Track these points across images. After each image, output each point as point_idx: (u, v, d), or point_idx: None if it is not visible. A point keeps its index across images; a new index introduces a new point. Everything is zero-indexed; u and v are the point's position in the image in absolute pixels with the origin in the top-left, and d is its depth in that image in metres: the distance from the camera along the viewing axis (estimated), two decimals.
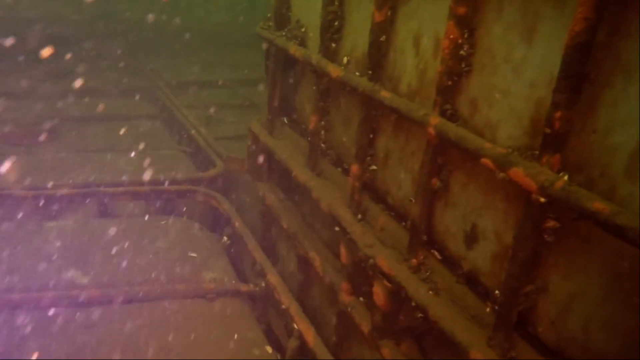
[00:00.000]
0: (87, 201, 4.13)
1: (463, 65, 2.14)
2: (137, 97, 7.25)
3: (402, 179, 2.63)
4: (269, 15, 3.91)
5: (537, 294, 1.92)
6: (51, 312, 3.11)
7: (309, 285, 3.71)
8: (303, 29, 3.53)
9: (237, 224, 3.94)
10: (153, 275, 3.37)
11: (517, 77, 1.93)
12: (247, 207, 5.00)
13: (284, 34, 3.66)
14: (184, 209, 4.48)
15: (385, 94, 2.50)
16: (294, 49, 3.39)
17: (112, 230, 3.83)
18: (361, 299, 2.99)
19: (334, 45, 3.11)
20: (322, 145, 3.36)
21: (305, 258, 3.53)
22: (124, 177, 4.46)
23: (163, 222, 4.00)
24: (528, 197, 1.80)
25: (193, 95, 7.44)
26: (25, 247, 3.65)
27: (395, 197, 2.71)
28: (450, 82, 2.17)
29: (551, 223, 1.82)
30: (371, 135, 2.81)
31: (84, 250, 3.60)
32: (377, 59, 2.64)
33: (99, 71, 8.12)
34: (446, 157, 2.29)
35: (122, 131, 5.89)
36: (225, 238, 4.04)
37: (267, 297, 3.58)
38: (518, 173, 1.80)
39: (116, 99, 7.13)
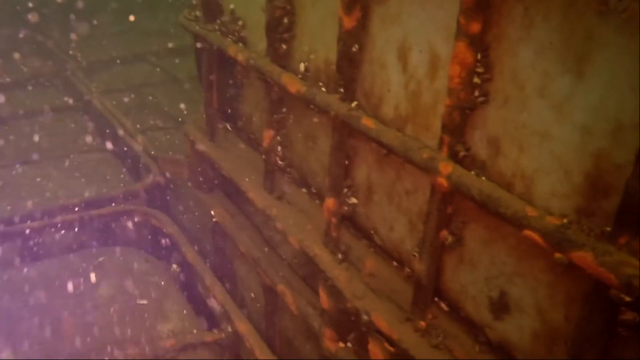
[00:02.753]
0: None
1: (477, 94, 1.64)
2: (48, 85, 6.40)
3: (393, 219, 2.15)
4: (194, 1, 3.26)
5: None
6: None
7: (277, 314, 3.23)
8: (240, 22, 2.93)
9: (186, 252, 3.38)
10: (94, 342, 2.80)
11: (561, 118, 1.45)
12: (193, 213, 4.43)
13: (216, 27, 3.04)
14: (123, 228, 3.87)
15: (368, 123, 1.98)
16: (233, 50, 2.79)
17: (36, 279, 3.21)
18: (349, 344, 2.54)
19: (284, 46, 2.54)
20: (280, 162, 2.82)
21: (272, 288, 3.04)
22: (41, 205, 3.79)
23: (100, 259, 3.40)
24: (599, 287, 1.35)
25: (118, 75, 6.63)
26: None
27: (386, 238, 2.23)
28: (461, 118, 1.67)
29: (630, 315, 1.38)
30: (346, 162, 2.30)
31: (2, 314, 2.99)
32: (349, 73, 2.10)
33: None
34: (459, 206, 1.82)
35: (34, 135, 5.13)
36: (174, 266, 3.49)
37: (236, 345, 3.08)
38: (586, 259, 1.34)
39: (21, 91, 6.26)
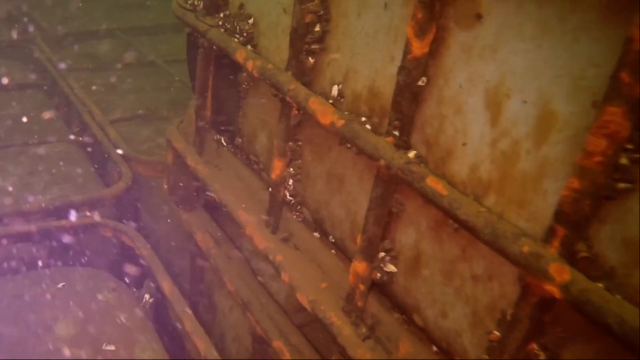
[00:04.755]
0: None
1: (618, 179, 1.16)
2: (8, 57, 5.73)
3: (448, 304, 1.67)
4: None
5: None
6: None
7: None
8: (251, 21, 2.39)
9: (162, 282, 2.85)
10: None
11: None
12: (167, 227, 3.89)
13: (219, 22, 2.50)
14: (86, 245, 3.32)
15: (436, 186, 1.48)
16: (242, 55, 2.26)
17: None
18: None
19: (311, 60, 2.02)
20: (290, 198, 2.31)
21: (264, 339, 2.55)
22: None
23: (59, 285, 2.84)
24: None
25: (94, 49, 5.98)
26: None
27: (433, 323, 1.75)
28: (591, 207, 1.19)
29: None
30: (387, 219, 1.80)
31: None
32: (409, 112, 1.60)
33: None
34: (561, 317, 1.34)
35: None
36: (147, 297, 2.95)
37: None
38: None
39: None
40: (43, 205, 3.24)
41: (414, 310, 1.81)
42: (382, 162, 1.63)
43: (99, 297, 2.81)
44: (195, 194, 3.07)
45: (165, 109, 4.86)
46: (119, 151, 3.88)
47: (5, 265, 3.15)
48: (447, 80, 1.53)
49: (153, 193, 3.92)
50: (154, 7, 7.60)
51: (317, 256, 2.22)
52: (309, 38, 1.99)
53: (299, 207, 2.30)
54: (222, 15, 2.53)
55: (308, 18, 1.95)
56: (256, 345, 2.68)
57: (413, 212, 1.73)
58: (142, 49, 6.07)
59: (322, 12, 1.94)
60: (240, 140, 2.65)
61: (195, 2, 2.68)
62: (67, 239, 3.18)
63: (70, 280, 2.90)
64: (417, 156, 1.60)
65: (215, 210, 3.20)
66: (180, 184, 3.04)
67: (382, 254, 1.84)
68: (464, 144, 1.50)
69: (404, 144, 1.63)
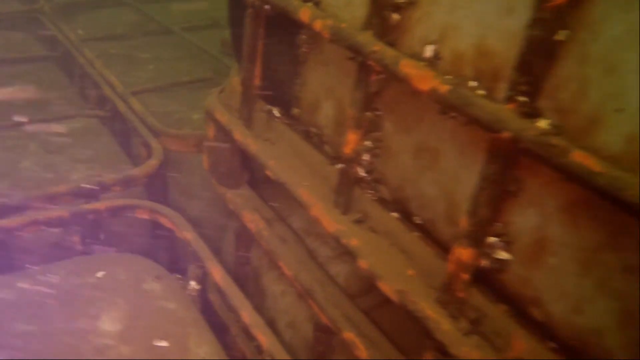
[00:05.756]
0: None
1: None
2: (13, 28, 5.41)
3: (584, 299, 1.42)
4: None
5: None
6: None
7: (331, 356, 2.53)
8: None
9: (212, 269, 2.62)
10: None
11: None
12: (199, 199, 3.65)
13: None
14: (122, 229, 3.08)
15: (587, 162, 1.22)
16: (307, 14, 1.98)
17: (4, 304, 2.41)
18: None
19: (395, 17, 1.75)
20: (364, 174, 2.06)
21: (329, 329, 2.33)
22: (15, 195, 2.93)
23: (99, 275, 2.61)
24: None
25: (106, 18, 5.67)
26: None
27: (562, 318, 1.51)
28: None
29: None
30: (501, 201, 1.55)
31: None
32: (540, 74, 1.34)
33: None
34: None
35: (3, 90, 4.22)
36: (193, 284, 2.72)
37: None
38: None
39: None
40: (72, 187, 2.99)
41: (533, 303, 1.57)
42: (505, 134, 1.38)
43: (144, 286, 2.58)
44: (239, 171, 2.82)
45: (188, 78, 4.57)
46: (147, 124, 3.61)
47: (36, 253, 2.92)
48: (595, 34, 1.26)
49: (184, 169, 3.67)
50: None
51: (399, 240, 1.98)
52: None
53: (374, 184, 2.05)
54: None
55: None
56: (319, 335, 2.46)
57: (536, 191, 1.48)
58: (155, 17, 5.75)
59: None
60: (297, 110, 2.39)
61: None
62: (100, 222, 2.94)
63: (110, 268, 2.67)
64: (552, 126, 1.33)
65: (257, 186, 2.97)
66: (225, 160, 2.78)
67: (492, 239, 1.60)
68: (619, 110, 1.24)
69: (532, 112, 1.37)
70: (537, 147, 1.31)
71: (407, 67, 1.61)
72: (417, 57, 1.69)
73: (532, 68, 1.34)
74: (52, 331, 2.33)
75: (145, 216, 2.94)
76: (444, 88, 1.51)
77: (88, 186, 3.02)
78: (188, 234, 2.77)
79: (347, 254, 2.02)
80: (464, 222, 1.59)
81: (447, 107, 1.53)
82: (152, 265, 2.76)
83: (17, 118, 3.88)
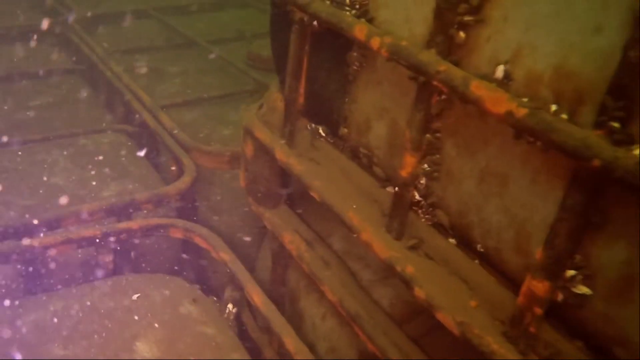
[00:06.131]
0: None
1: None
2: (36, 42, 5.36)
3: None
4: None
5: None
6: None
7: None
8: None
9: (252, 292, 2.53)
10: None
11: None
12: (231, 217, 3.56)
13: None
14: (155, 249, 3.00)
15: None
16: (363, 31, 1.89)
17: (35, 325, 2.32)
18: None
19: (462, 35, 1.66)
20: (419, 198, 1.96)
21: (376, 356, 2.23)
22: (46, 212, 2.86)
23: (134, 297, 2.52)
24: None
25: (131, 31, 5.63)
26: None
27: None
28: None
29: None
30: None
31: None
32: (637, 95, 1.24)
33: None
34: None
35: (29, 105, 4.16)
36: (230, 307, 2.63)
37: None
38: None
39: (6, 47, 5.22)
40: (104, 205, 2.91)
41: (617, 342, 1.47)
42: (595, 162, 1.28)
43: (181, 309, 2.49)
44: (279, 190, 2.74)
45: (216, 93, 4.51)
46: (177, 139, 3.54)
47: (67, 272, 2.84)
48: None
49: (215, 187, 3.59)
50: None
51: (458, 268, 1.88)
52: (462, 7, 1.63)
53: (431, 209, 1.95)
54: None
55: None
56: None
57: (624, 223, 1.38)
58: (180, 29, 5.69)
59: None
60: (345, 130, 2.30)
61: None
62: (133, 241, 2.86)
63: (145, 291, 2.59)
64: None
65: (292, 204, 2.88)
66: (262, 180, 2.70)
67: (571, 272, 1.50)
68: None
69: (626, 139, 1.27)
70: (633, 177, 1.21)
71: (479, 89, 1.52)
72: (485, 77, 1.60)
73: (628, 92, 1.24)
74: (87, 355, 2.25)
75: (179, 235, 2.86)
76: (521, 112, 1.42)
77: (120, 204, 2.94)
78: (225, 255, 2.68)
79: (402, 282, 1.92)
80: (539, 254, 1.49)
81: (525, 131, 1.43)
82: (187, 287, 2.68)
83: (46, 132, 3.82)
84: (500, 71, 1.57)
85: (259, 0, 6.52)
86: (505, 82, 1.57)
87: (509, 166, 1.64)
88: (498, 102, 1.47)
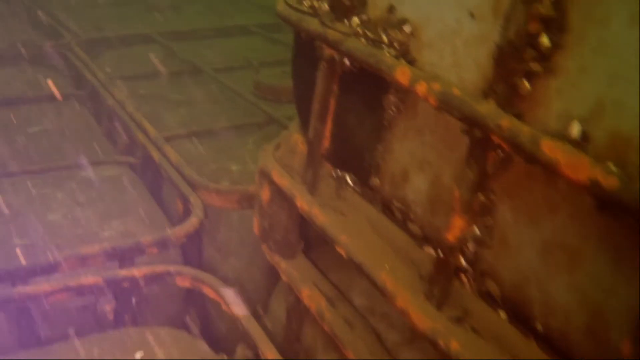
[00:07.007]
0: None
1: None
2: (36, 65, 5.16)
3: None
4: None
5: None
6: None
7: None
8: (407, 28, 1.82)
9: (266, 351, 2.29)
10: None
11: None
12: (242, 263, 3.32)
13: (358, 28, 1.92)
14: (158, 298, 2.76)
15: None
16: (407, 75, 1.68)
17: None
18: None
19: (527, 86, 1.45)
20: (465, 264, 1.74)
21: None
22: (41, 258, 2.61)
23: (138, 356, 2.28)
24: None
25: (134, 56, 5.44)
26: None
27: None
28: None
29: None
30: None
31: None
32: None
33: None
34: None
35: (25, 134, 3.94)
36: None
37: None
38: None
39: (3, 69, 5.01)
40: (106, 248, 2.68)
41: None
42: None
43: None
44: (297, 239, 2.51)
45: (224, 124, 4.29)
46: (184, 176, 3.32)
47: (63, 322, 2.59)
48: None
49: (223, 227, 3.36)
50: (188, 9, 7.09)
51: (511, 346, 1.65)
52: (528, 54, 1.42)
53: (479, 277, 1.72)
54: (357, 18, 1.96)
55: (533, 27, 1.38)
56: None
57: None
58: (184, 56, 5.50)
59: (554, 14, 1.37)
60: (377, 180, 2.08)
61: (315, 4, 2.11)
62: (136, 290, 2.62)
63: (149, 347, 2.35)
64: None
65: (309, 250, 2.66)
66: (279, 228, 2.47)
67: None
68: None
69: None
70: None
71: (552, 150, 1.30)
72: (555, 135, 1.38)
73: None
74: None
75: (187, 284, 2.63)
76: (612, 181, 1.19)
77: (122, 247, 2.71)
78: (238, 309, 2.45)
79: (443, 356, 1.69)
80: (627, 347, 1.26)
81: (614, 205, 1.21)
82: (194, 343, 2.44)
83: (43, 163, 3.60)
84: (576, 130, 1.36)
85: (264, 28, 6.36)
86: (581, 143, 1.35)
87: (582, 239, 1.42)
88: (578, 167, 1.26)
